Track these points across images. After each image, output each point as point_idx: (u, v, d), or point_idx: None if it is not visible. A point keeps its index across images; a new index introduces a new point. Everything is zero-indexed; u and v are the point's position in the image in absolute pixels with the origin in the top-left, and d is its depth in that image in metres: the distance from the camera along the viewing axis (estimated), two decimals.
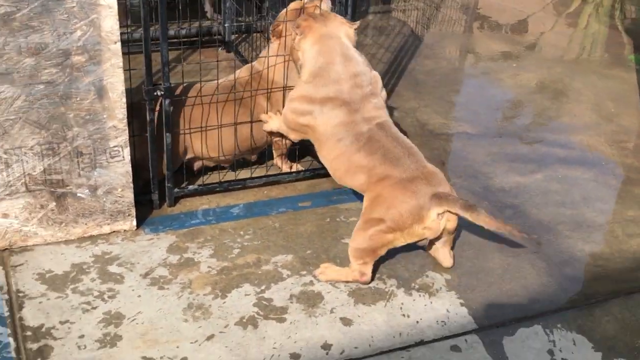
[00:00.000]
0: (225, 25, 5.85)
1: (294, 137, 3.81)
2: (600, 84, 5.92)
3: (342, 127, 3.50)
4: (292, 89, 3.80)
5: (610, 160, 4.73)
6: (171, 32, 5.67)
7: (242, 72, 4.09)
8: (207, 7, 6.36)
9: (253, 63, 4.15)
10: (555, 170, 4.54)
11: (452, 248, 3.59)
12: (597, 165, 4.64)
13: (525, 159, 4.65)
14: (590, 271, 3.64)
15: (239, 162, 4.19)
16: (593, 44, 7.00)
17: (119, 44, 3.30)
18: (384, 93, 3.77)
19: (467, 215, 3.28)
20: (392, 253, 3.59)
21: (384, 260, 3.54)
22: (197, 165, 4.09)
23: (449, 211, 3.28)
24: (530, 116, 5.29)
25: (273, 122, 3.88)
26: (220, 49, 5.85)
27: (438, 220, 3.27)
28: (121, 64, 3.34)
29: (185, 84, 3.96)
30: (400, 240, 3.33)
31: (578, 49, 6.84)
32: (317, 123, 3.56)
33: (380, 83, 3.74)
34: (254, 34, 5.99)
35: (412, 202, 3.26)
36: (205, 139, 3.92)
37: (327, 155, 3.60)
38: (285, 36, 3.91)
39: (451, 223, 3.34)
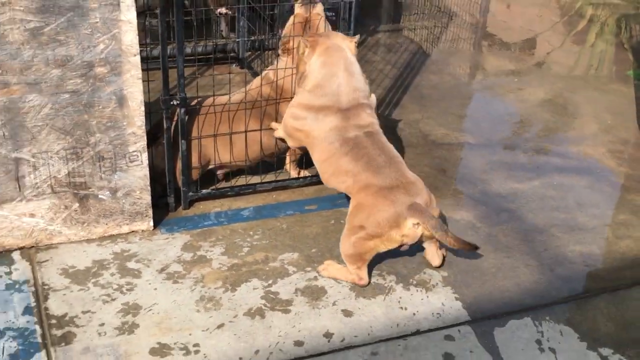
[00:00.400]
0: (239, 42, 6.15)
1: (292, 144, 4.07)
2: (600, 98, 6.14)
3: (333, 132, 3.74)
4: None
5: (605, 168, 4.94)
6: (188, 50, 5.98)
7: (257, 82, 4.34)
8: (223, 26, 6.66)
9: (267, 73, 4.40)
10: (551, 178, 4.76)
11: (441, 248, 3.80)
12: (592, 173, 4.86)
13: (523, 168, 4.88)
14: (580, 270, 3.85)
15: (249, 169, 4.43)
16: (596, 61, 7.22)
17: (138, 57, 3.58)
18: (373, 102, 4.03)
19: (435, 235, 3.46)
20: (392, 252, 3.82)
21: (385, 258, 3.78)
22: (221, 172, 4.36)
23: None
24: (531, 128, 5.52)
25: (279, 130, 4.14)
26: (234, 65, 6.13)
27: (414, 228, 3.46)
28: (140, 75, 3.62)
29: (209, 97, 4.23)
30: (381, 247, 3.53)
31: (581, 66, 7.06)
32: (312, 128, 3.81)
33: (375, 102, 4.01)
34: (266, 51, 6.26)
35: (390, 211, 3.45)
36: (232, 147, 4.18)
37: (318, 158, 3.84)
38: (294, 49, 4.18)
39: (428, 231, 3.49)
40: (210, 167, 4.27)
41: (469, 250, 3.67)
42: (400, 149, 4.99)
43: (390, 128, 5.32)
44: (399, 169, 3.62)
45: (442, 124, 5.46)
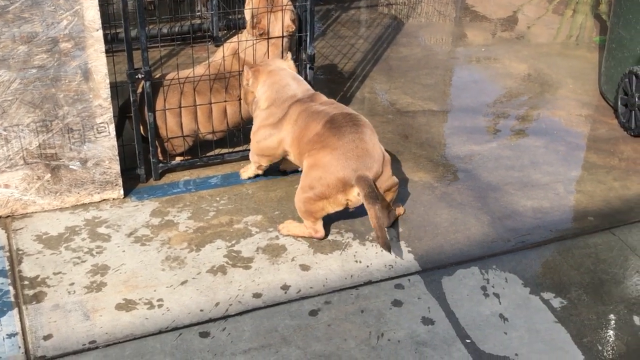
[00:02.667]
0: (212, 21, 6.33)
1: (268, 161, 4.20)
2: (563, 63, 6.32)
3: (302, 114, 3.89)
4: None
5: (562, 129, 5.13)
6: (164, 31, 6.19)
7: (220, 54, 4.53)
8: (200, 7, 6.84)
9: (230, 44, 4.58)
10: (509, 140, 4.95)
11: (394, 208, 3.97)
12: (549, 134, 5.05)
13: (482, 131, 5.07)
14: (529, 223, 4.05)
15: (218, 141, 4.62)
16: (566, 30, 7.39)
17: (100, 32, 3.76)
18: None
19: (365, 203, 3.58)
20: (351, 212, 4.03)
21: (343, 217, 3.98)
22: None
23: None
24: (493, 94, 5.70)
25: (248, 170, 4.34)
26: (209, 43, 6.32)
27: (358, 197, 3.64)
28: (103, 49, 3.80)
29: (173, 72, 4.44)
30: (328, 208, 3.72)
31: (552, 35, 7.23)
32: (282, 133, 3.96)
33: None
34: (240, 30, 6.43)
35: (339, 175, 3.62)
36: (206, 115, 4.40)
37: (294, 147, 3.93)
38: (267, 25, 4.40)
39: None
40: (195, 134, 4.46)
41: (382, 245, 3.61)
42: (366, 117, 5.16)
43: (357, 98, 5.51)
44: (361, 136, 3.72)
45: (408, 93, 5.64)
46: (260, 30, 4.46)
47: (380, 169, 3.71)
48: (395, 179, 3.83)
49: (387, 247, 3.60)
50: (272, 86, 4.07)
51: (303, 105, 3.95)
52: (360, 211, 4.05)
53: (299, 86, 4.10)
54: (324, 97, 4.07)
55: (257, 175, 4.36)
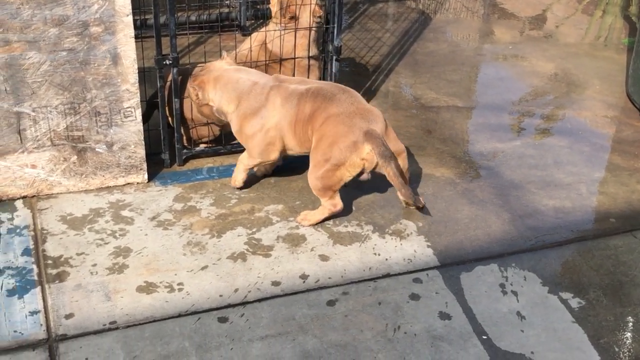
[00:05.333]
0: (240, 10, 6.36)
1: (274, 156, 4.04)
2: (590, 64, 6.28)
3: (287, 99, 3.88)
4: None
5: (587, 130, 5.10)
6: (193, 18, 6.24)
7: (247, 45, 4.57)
8: None
9: (257, 35, 4.61)
10: (533, 139, 4.94)
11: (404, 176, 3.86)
12: (573, 134, 5.03)
13: (507, 129, 5.06)
14: (550, 222, 4.04)
15: None
16: (593, 30, 7.33)
17: (130, 17, 3.81)
18: None
19: (380, 161, 3.68)
20: (371, 204, 4.05)
21: (363, 209, 4.00)
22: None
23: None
24: (518, 93, 5.68)
25: (238, 174, 4.15)
26: (237, 32, 6.35)
27: (372, 153, 3.69)
28: (132, 34, 3.84)
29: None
30: (346, 175, 3.75)
31: (580, 36, 7.18)
32: (274, 117, 3.91)
33: None
34: (268, 19, 6.46)
35: (349, 136, 3.68)
36: None
37: (297, 129, 3.90)
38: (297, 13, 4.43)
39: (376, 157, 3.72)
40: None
41: (408, 198, 3.84)
42: (390, 111, 5.19)
43: (381, 92, 5.52)
44: (354, 97, 3.83)
45: (433, 88, 5.64)
46: (290, 14, 4.48)
47: (384, 127, 3.78)
48: (402, 145, 3.90)
49: (415, 200, 3.75)
50: (226, 87, 3.98)
51: (280, 89, 3.92)
52: (380, 203, 4.07)
53: (251, 75, 4.03)
54: (289, 77, 4.10)
55: (242, 187, 4.21)
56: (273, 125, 3.91)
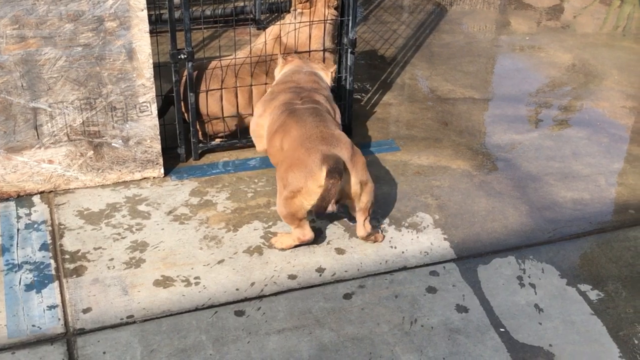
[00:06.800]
0: (255, 4, 6.35)
1: (260, 148, 4.07)
2: (608, 54, 6.22)
3: (274, 108, 3.88)
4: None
5: (605, 121, 5.06)
6: (207, 13, 6.24)
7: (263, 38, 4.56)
8: None
9: (272, 28, 4.61)
10: (551, 130, 4.90)
11: (368, 220, 3.66)
12: (592, 125, 4.98)
13: (524, 120, 5.02)
14: (569, 214, 4.00)
15: None
16: (611, 20, 7.26)
17: (145, 12, 3.81)
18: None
19: (325, 179, 3.32)
20: (387, 197, 4.03)
21: (379, 203, 3.98)
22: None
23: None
24: (536, 84, 5.63)
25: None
26: (251, 26, 6.35)
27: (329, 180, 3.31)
28: (147, 29, 3.85)
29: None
30: (305, 203, 3.44)
31: (595, 25, 7.11)
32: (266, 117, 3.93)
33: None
34: (282, 13, 6.45)
35: (305, 160, 3.39)
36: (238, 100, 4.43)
37: (270, 145, 3.83)
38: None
39: (350, 186, 3.46)
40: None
41: (315, 210, 3.40)
42: (406, 103, 5.17)
43: (397, 84, 5.49)
44: (324, 122, 3.59)
45: (449, 80, 5.61)
46: (308, 4, 4.47)
47: (350, 154, 3.45)
48: (368, 175, 3.53)
49: (320, 213, 3.33)
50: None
51: (286, 93, 3.94)
52: (395, 196, 4.06)
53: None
54: (307, 87, 3.97)
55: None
56: (264, 123, 3.95)
